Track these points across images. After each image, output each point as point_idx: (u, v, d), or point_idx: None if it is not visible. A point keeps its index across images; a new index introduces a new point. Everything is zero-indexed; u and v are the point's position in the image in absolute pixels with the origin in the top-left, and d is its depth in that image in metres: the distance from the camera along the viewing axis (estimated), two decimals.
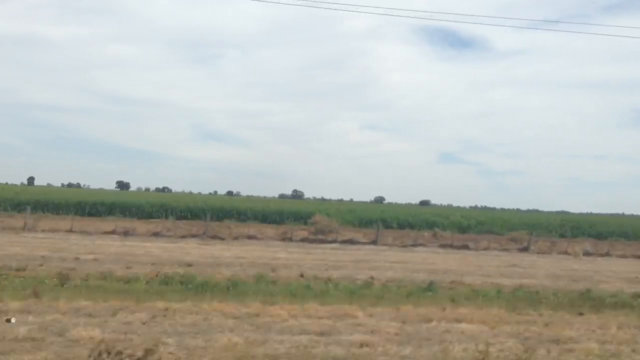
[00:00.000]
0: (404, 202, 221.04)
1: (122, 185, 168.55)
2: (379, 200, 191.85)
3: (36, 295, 10.23)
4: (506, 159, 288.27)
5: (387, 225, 38.15)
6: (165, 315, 8.99)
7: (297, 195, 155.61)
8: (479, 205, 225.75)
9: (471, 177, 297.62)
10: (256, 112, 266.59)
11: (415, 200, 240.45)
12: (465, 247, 29.08)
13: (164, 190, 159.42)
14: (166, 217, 37.42)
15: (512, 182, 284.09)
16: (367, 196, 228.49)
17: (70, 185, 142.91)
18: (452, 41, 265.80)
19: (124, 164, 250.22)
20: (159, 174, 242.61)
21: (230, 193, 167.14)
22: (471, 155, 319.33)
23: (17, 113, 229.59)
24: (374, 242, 28.94)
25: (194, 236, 28.23)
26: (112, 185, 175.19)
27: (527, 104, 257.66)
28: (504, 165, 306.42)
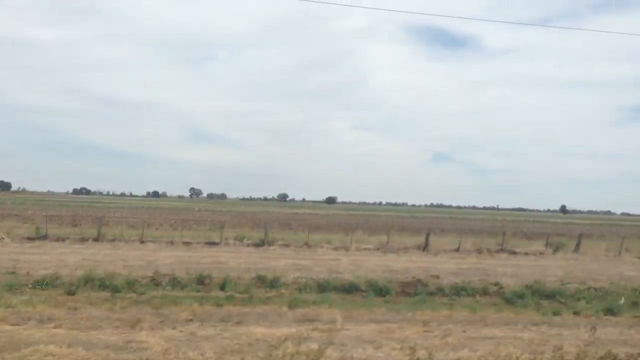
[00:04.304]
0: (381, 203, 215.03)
1: (4, 186, 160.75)
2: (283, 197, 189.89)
3: None
4: (497, 158, 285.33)
5: None
6: None
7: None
8: (469, 205, 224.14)
9: (462, 176, 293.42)
10: (246, 113, 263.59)
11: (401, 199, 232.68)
12: None
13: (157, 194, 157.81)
14: None
15: (504, 181, 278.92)
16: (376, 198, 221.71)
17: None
18: (444, 40, 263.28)
19: (110, 166, 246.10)
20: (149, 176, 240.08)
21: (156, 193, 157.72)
22: (462, 154, 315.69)
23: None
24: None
25: None
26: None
27: (519, 103, 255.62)
28: (495, 164, 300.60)
